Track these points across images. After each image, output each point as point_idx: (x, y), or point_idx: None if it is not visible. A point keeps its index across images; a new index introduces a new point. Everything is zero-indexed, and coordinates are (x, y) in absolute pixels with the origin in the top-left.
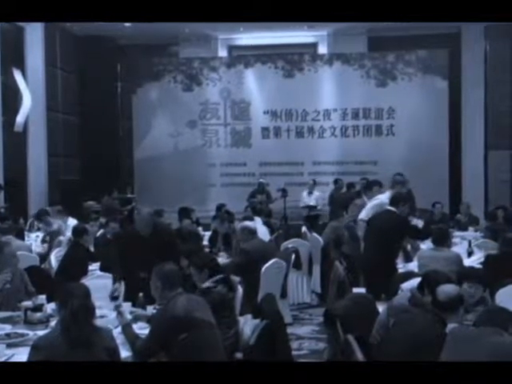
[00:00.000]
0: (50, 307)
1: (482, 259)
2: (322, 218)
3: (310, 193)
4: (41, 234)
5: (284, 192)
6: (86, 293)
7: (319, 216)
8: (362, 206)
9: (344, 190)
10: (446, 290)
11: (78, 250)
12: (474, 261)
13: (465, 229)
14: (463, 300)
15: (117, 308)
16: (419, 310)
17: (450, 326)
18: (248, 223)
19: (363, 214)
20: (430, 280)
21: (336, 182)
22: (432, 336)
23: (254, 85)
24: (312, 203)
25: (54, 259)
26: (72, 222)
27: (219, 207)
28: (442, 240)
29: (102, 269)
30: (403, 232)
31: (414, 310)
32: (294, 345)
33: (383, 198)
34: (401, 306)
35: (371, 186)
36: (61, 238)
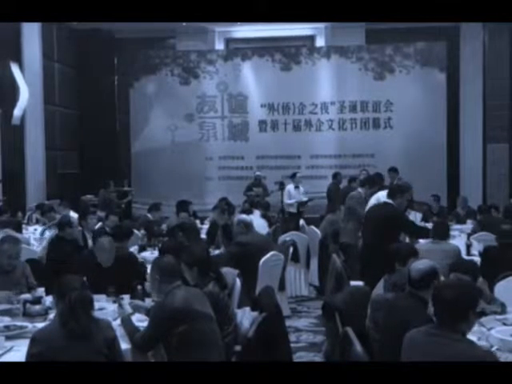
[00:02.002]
0: (49, 300)
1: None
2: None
3: (297, 187)
4: (39, 228)
5: (281, 185)
6: (83, 285)
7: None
8: (359, 198)
9: (345, 184)
10: (418, 266)
11: (60, 244)
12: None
13: (463, 222)
14: (437, 274)
15: (118, 300)
16: (396, 295)
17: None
18: (244, 216)
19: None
20: (399, 254)
21: (335, 176)
22: (417, 317)
23: (251, 78)
24: (305, 198)
25: None
26: (73, 215)
27: (221, 200)
28: (441, 233)
29: None
30: (399, 225)
31: (392, 296)
32: (292, 337)
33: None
34: (378, 297)
35: (372, 183)
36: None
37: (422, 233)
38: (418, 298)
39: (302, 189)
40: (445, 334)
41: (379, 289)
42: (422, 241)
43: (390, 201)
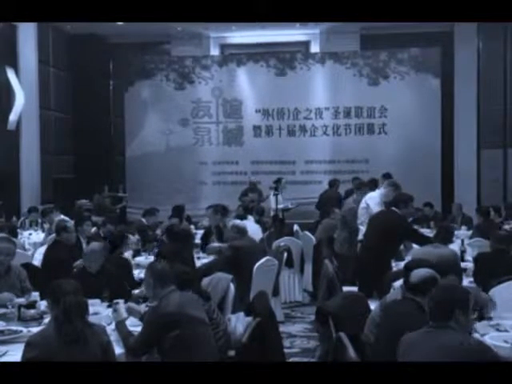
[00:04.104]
0: (44, 304)
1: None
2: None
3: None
4: (34, 232)
5: (276, 191)
6: (77, 289)
7: None
8: (353, 208)
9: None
10: (418, 272)
11: (56, 248)
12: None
13: (458, 228)
14: (436, 282)
15: (113, 305)
16: (398, 300)
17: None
18: (238, 222)
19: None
20: (412, 269)
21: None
22: (413, 323)
23: (246, 83)
24: (290, 205)
25: None
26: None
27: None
28: (445, 237)
29: None
30: (403, 233)
31: (395, 300)
32: (286, 343)
33: (376, 195)
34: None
35: (361, 187)
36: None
37: (425, 241)
38: (415, 304)
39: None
40: (437, 330)
41: (395, 295)
42: (415, 246)
43: (395, 209)
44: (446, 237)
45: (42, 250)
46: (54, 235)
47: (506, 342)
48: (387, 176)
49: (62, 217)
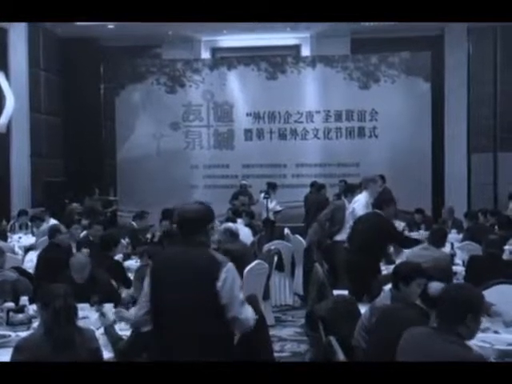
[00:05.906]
0: (32, 308)
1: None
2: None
3: None
4: (23, 236)
5: (267, 194)
6: (68, 293)
7: None
8: (342, 205)
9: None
10: (437, 286)
11: (52, 250)
12: None
13: (448, 231)
14: None
15: (99, 309)
16: (401, 305)
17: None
18: (230, 225)
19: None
20: (402, 273)
21: (312, 184)
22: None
23: (236, 87)
24: (279, 207)
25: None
26: (53, 222)
27: None
28: (438, 239)
29: None
30: (388, 236)
31: (397, 306)
32: (276, 347)
33: (361, 198)
34: (384, 307)
35: (352, 191)
36: (42, 238)
37: (409, 243)
38: (419, 310)
39: None
40: (441, 333)
41: (384, 299)
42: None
43: (378, 211)
44: (439, 239)
45: (33, 255)
46: (44, 238)
47: (484, 341)
48: (380, 178)
49: (52, 220)
